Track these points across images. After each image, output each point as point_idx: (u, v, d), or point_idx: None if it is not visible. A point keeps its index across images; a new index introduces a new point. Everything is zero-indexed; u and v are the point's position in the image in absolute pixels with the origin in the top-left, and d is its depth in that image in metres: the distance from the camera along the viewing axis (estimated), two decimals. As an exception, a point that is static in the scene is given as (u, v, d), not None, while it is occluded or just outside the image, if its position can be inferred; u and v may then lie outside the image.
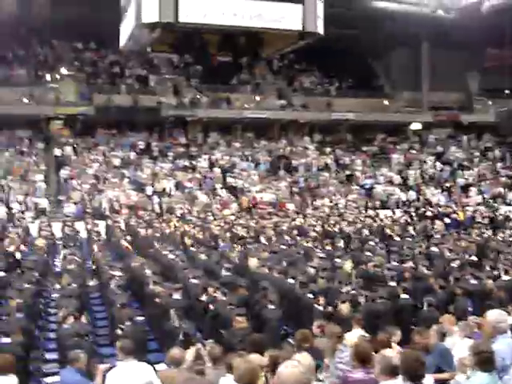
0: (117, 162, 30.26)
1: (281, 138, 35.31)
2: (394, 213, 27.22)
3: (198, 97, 34.15)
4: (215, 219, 22.55)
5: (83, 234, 21.32)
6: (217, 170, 30.65)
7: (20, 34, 32.26)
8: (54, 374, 8.85)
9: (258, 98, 35.42)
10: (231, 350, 7.38)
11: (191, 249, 15.68)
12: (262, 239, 17.84)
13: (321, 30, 17.47)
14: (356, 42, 34.50)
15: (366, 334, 7.33)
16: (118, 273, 12.27)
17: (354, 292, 10.27)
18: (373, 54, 39.35)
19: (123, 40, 21.77)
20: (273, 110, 34.78)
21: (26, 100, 31.84)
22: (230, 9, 18.19)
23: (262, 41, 19.99)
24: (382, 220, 22.77)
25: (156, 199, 27.29)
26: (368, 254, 14.57)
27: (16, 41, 33.90)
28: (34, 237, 20.14)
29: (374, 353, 5.54)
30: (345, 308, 9.23)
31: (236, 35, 19.76)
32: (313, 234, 18.83)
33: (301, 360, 4.34)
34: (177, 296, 10.14)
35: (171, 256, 14.17)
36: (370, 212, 26.44)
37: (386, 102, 37.98)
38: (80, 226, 22.44)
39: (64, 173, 28.66)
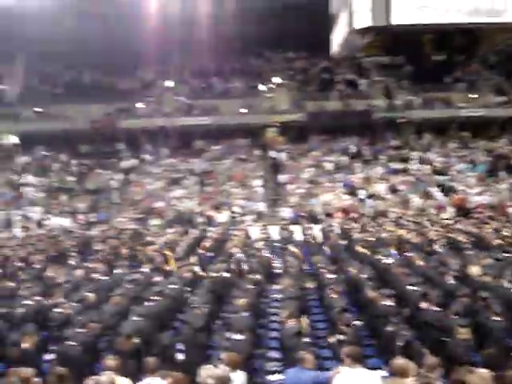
0: (330, 166, 30.77)
1: (500, 136, 33.20)
2: None
3: (410, 98, 33.44)
4: (432, 224, 21.87)
5: (299, 237, 21.97)
6: (431, 173, 29.74)
7: (236, 47, 34.26)
8: (277, 372, 9.23)
9: (473, 96, 33.69)
10: (452, 361, 7.15)
11: (408, 254, 15.38)
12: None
13: (546, 19, 16.21)
14: None
15: None
16: (334, 276, 12.50)
17: None
18: None
19: (335, 47, 22.21)
20: (490, 108, 32.86)
21: (243, 110, 33.77)
22: (444, 6, 17.62)
23: (479, 37, 19.08)
24: None
25: (369, 203, 27.26)
26: None
27: (232, 54, 36.11)
28: (253, 239, 21.22)
29: None
30: None
31: (451, 33, 19.13)
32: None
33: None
34: (390, 302, 10.03)
35: (387, 261, 14.06)
36: None
37: None
38: (296, 229, 23.17)
39: (282, 178, 29.90)
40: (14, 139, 35.61)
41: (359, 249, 16.64)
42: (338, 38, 20.73)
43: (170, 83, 35.61)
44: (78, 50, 33.20)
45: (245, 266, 15.04)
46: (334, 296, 10.88)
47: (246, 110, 33.73)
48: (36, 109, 35.03)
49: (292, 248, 17.44)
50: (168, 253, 16.99)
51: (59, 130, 33.24)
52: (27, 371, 6.51)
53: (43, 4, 29.80)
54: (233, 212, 27.09)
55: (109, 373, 6.24)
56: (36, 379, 6.51)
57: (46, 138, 34.26)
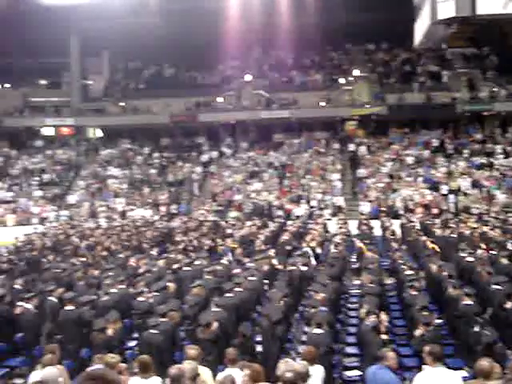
0: (410, 160, 30.16)
1: None
2: None
3: (496, 90, 32.26)
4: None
5: (378, 233, 21.70)
6: (517, 168, 28.64)
7: (316, 41, 34.06)
8: (354, 368, 9.17)
9: None
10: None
11: (491, 252, 14.91)
12: None
13: None
14: None
15: None
16: (414, 273, 12.28)
17: None
18: None
19: (417, 38, 21.72)
20: None
21: (322, 103, 33.59)
22: (533, -6, 16.88)
23: None
24: None
25: (451, 198, 26.55)
26: None
27: (313, 48, 35.95)
28: (332, 233, 21.11)
29: None
30: None
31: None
32: None
33: None
34: (469, 301, 9.73)
35: (470, 259, 13.68)
36: None
37: None
38: (375, 224, 22.88)
39: (360, 172, 29.57)
40: (98, 133, 36.90)
41: (428, 244, 16.27)
42: (420, 29, 20.24)
43: (249, 77, 35.86)
44: (159, 46, 33.97)
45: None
46: (414, 293, 10.69)
47: (325, 103, 33.53)
48: (120, 103, 36.12)
49: (358, 243, 17.28)
50: (234, 245, 17.18)
51: (142, 124, 34.20)
52: (113, 357, 6.75)
53: (126, 1, 30.64)
54: (311, 206, 27.05)
55: (191, 362, 6.38)
56: (122, 365, 6.74)
57: (129, 132, 35.34)
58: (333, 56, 37.71)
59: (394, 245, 16.75)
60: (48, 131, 36.67)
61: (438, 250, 15.76)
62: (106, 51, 38.50)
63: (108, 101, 36.51)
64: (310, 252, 16.03)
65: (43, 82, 40.82)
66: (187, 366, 6.11)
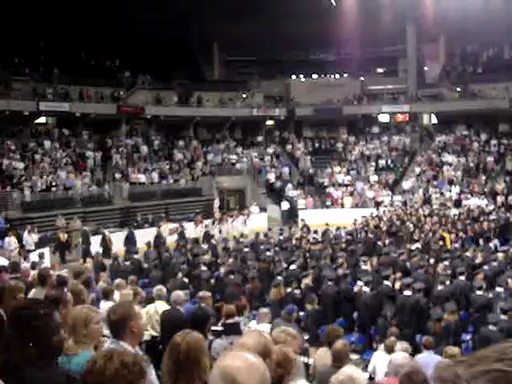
0: None
1: None
2: None
3: None
4: None
5: None
6: None
7: None
8: None
9: None
10: None
11: None
12: None
13: None
14: None
15: None
16: None
17: None
18: None
19: None
20: None
21: None
22: None
23: None
24: None
25: None
26: None
27: None
28: None
29: None
30: None
31: None
32: None
33: None
34: None
35: None
36: None
37: None
38: None
39: None
40: (433, 119, 36.75)
41: None
42: None
43: None
44: (499, 26, 32.15)
45: None
46: None
47: None
48: (456, 88, 35.37)
49: None
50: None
51: (479, 110, 32.99)
52: (453, 349, 6.78)
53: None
54: None
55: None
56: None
57: (465, 118, 34.45)
58: None
59: None
60: (384, 118, 37.77)
61: None
62: (443, 36, 37.85)
63: (444, 86, 35.99)
64: None
65: (380, 70, 42.09)
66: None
